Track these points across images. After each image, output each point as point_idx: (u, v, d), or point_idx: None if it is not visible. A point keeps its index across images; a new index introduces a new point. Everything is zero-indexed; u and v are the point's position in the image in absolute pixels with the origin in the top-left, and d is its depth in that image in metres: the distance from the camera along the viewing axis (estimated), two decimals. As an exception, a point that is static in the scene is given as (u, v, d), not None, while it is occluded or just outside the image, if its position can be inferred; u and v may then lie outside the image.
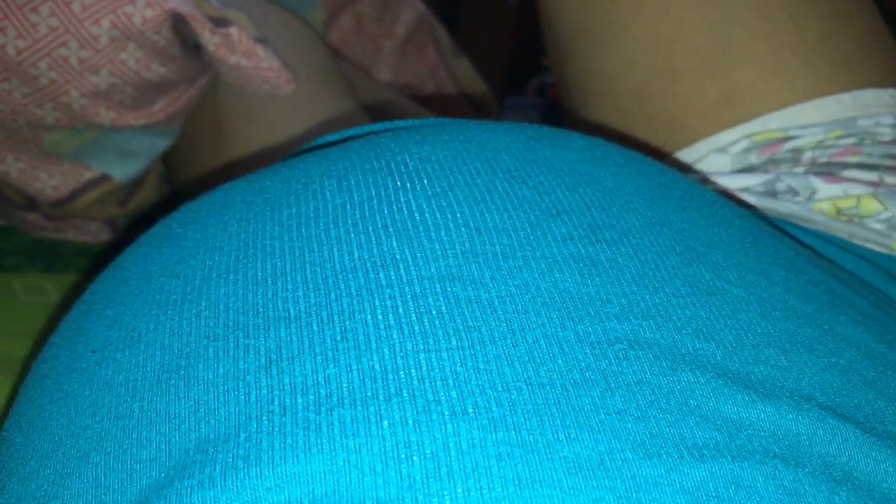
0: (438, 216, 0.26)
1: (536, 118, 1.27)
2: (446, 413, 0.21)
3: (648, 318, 0.24)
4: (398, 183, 0.27)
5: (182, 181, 0.59)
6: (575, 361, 0.22)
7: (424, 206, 0.26)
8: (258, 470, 0.20)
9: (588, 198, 0.27)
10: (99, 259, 0.58)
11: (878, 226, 0.41)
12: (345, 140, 0.34)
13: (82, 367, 0.26)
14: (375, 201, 0.26)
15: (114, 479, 0.22)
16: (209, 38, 0.49)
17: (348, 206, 0.26)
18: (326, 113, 0.55)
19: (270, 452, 0.21)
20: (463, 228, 0.25)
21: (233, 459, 0.21)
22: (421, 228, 0.25)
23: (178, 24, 0.48)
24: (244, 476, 0.20)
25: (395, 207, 0.26)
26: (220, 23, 0.49)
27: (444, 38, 0.78)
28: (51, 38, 0.45)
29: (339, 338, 0.23)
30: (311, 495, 0.20)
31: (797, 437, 0.22)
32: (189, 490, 0.21)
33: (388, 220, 0.26)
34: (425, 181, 0.27)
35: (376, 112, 0.66)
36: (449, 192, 0.27)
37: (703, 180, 0.43)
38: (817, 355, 0.25)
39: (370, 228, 0.26)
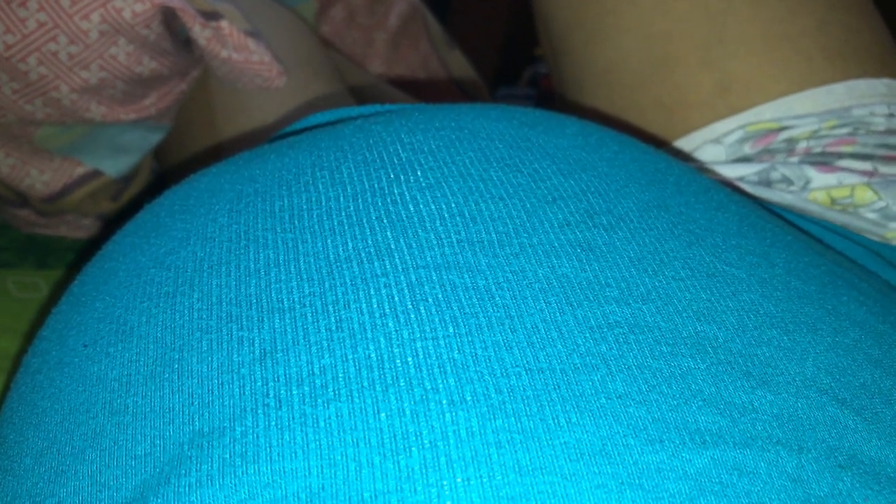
0: (433, 207, 0.26)
1: (530, 107, 1.26)
2: (444, 402, 0.21)
3: (648, 301, 0.24)
4: (391, 175, 0.27)
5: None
6: (574, 346, 0.22)
7: (418, 197, 0.26)
8: (255, 466, 0.20)
9: (584, 183, 0.27)
10: (85, 250, 0.57)
11: (871, 215, 0.41)
12: (334, 122, 0.34)
13: (74, 362, 0.25)
14: (369, 194, 0.26)
15: (109, 476, 0.22)
16: (200, 32, 0.49)
17: (341, 199, 0.26)
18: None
19: (268, 448, 0.20)
20: (458, 218, 0.25)
21: (230, 456, 0.21)
22: (415, 219, 0.25)
23: (169, 17, 0.48)
24: (241, 473, 0.20)
25: (388, 199, 0.26)
26: (210, 16, 0.49)
27: (436, 29, 0.78)
28: (40, 34, 0.44)
29: (333, 328, 0.22)
30: (308, 490, 0.20)
31: (800, 422, 0.22)
32: (187, 488, 0.20)
33: (382, 212, 0.25)
34: (418, 172, 0.27)
35: (367, 101, 0.65)
36: (443, 183, 0.26)
37: (702, 169, 0.43)
38: (821, 335, 0.25)
39: (364, 220, 0.25)
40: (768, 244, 0.28)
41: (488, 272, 0.24)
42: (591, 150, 0.29)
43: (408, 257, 0.24)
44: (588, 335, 0.22)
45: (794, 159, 0.43)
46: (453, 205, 0.26)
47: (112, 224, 0.59)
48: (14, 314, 0.48)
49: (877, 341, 0.26)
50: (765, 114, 0.44)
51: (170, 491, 0.21)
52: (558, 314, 0.23)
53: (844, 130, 0.43)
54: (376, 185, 0.26)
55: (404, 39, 0.75)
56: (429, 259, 0.24)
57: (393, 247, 0.24)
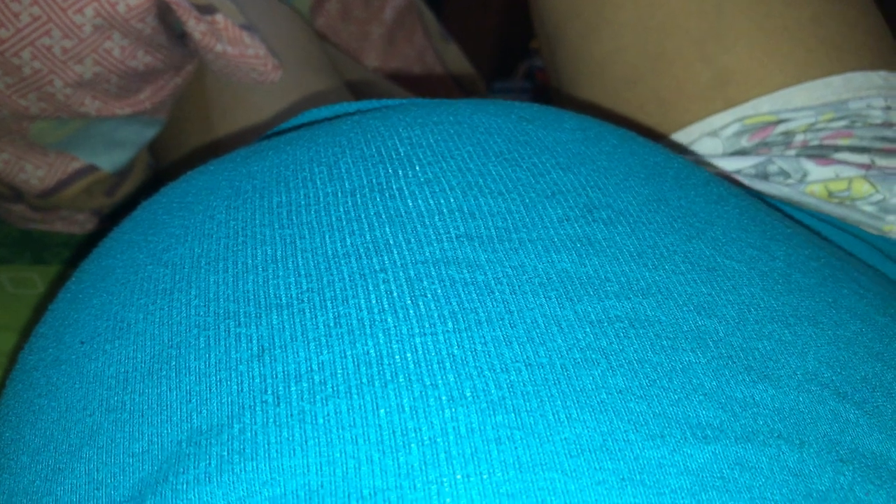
0: (431, 202, 0.25)
1: (526, 102, 1.27)
2: (444, 398, 0.20)
3: (648, 295, 0.24)
4: (389, 170, 0.27)
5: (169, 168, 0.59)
6: (575, 341, 0.22)
7: (417, 192, 0.26)
8: (254, 464, 0.20)
9: (583, 178, 0.27)
10: (82, 246, 0.57)
11: (869, 208, 0.41)
12: (331, 119, 0.34)
13: (71, 359, 0.25)
14: (367, 189, 0.26)
15: (107, 474, 0.22)
16: (194, 26, 0.48)
17: (339, 194, 0.26)
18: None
19: (266, 446, 0.20)
20: (457, 213, 0.25)
21: (228, 453, 0.20)
22: (414, 214, 0.25)
23: (163, 11, 0.47)
24: (240, 470, 0.20)
25: (387, 195, 0.26)
26: (205, 10, 0.49)
27: (432, 22, 0.78)
28: (33, 28, 0.44)
29: (332, 324, 0.22)
30: (307, 487, 0.20)
31: (801, 416, 0.22)
32: (185, 486, 0.20)
33: (381, 208, 0.25)
34: (417, 167, 0.27)
35: (363, 95, 0.65)
36: (441, 178, 0.26)
37: (698, 162, 0.43)
38: (822, 328, 0.25)
39: (362, 215, 0.25)
40: (768, 237, 0.28)
41: (487, 267, 0.24)
42: (590, 143, 0.29)
43: (406, 252, 0.24)
44: (588, 330, 0.22)
45: (792, 152, 0.43)
46: (452, 199, 0.25)
47: (109, 221, 0.59)
48: (9, 310, 0.47)
49: (878, 334, 0.26)
50: (762, 106, 0.44)
51: (167, 489, 0.21)
52: (558, 309, 0.23)
53: (841, 123, 0.43)
54: (374, 180, 0.26)
55: (400, 33, 0.75)
56: (427, 254, 0.24)
57: (391, 242, 0.24)
